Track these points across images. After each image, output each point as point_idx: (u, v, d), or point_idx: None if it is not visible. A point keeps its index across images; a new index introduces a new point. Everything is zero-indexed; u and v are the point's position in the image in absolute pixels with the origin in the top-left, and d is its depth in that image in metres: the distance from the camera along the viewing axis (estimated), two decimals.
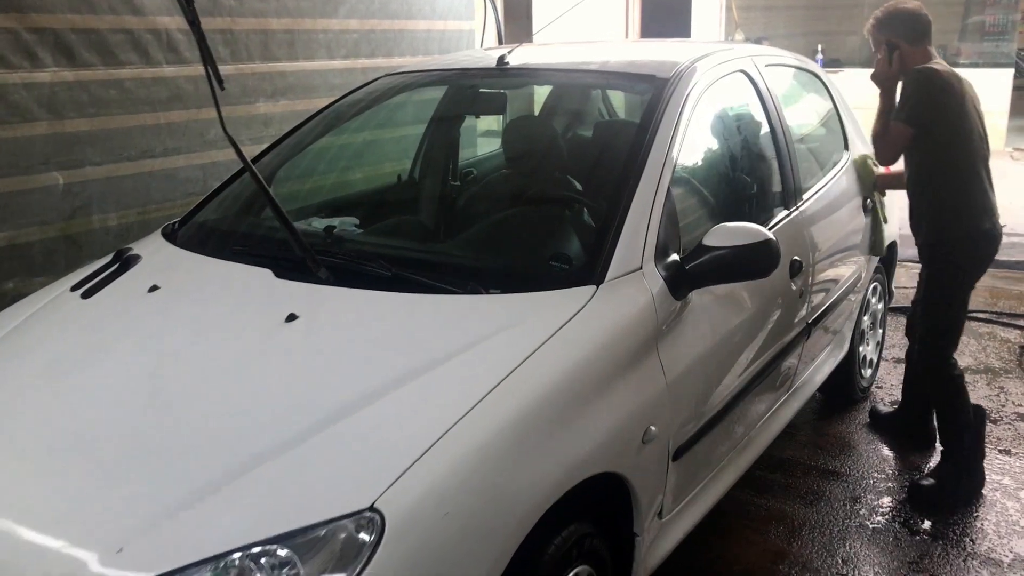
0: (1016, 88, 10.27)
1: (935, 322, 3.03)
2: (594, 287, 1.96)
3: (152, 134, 4.00)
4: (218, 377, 1.77)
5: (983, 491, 3.04)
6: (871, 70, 3.05)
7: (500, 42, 6.21)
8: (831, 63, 11.00)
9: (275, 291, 2.03)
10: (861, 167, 3.42)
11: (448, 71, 3.04)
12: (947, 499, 2.97)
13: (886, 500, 3.02)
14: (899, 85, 2.95)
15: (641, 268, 2.06)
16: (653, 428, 1.97)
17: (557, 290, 1.95)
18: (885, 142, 2.94)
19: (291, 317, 1.89)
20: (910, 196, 3.06)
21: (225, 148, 4.34)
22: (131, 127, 3.91)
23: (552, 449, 1.68)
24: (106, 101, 3.76)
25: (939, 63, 2.92)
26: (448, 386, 1.66)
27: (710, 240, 2.13)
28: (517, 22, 11.88)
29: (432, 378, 1.66)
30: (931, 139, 2.86)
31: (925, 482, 3.03)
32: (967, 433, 3.03)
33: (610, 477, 1.87)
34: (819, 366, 3.26)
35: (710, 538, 2.74)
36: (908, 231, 3.17)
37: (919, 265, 3.15)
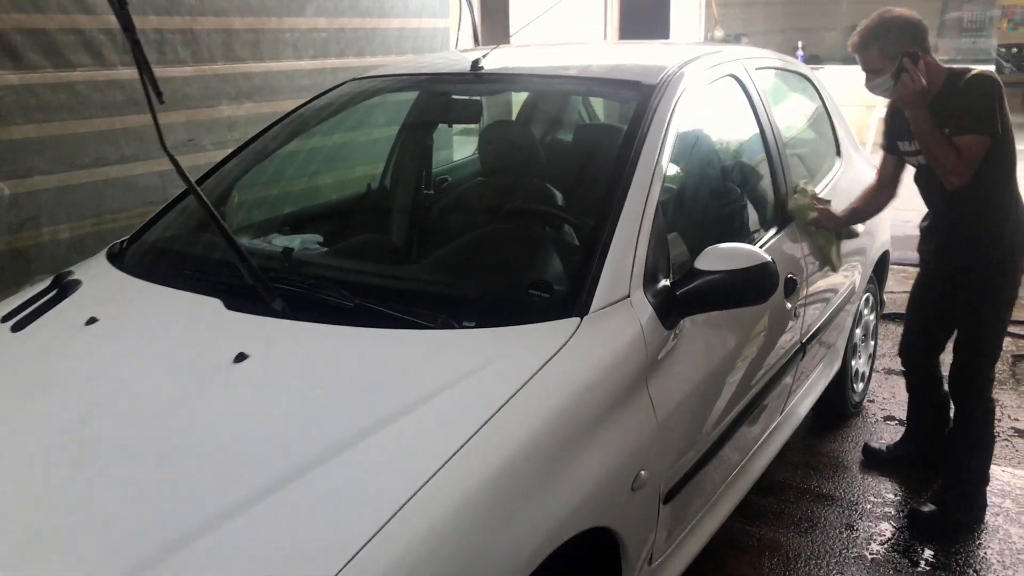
0: None
1: (990, 346, 2.81)
2: (578, 319, 1.77)
3: (107, 140, 3.77)
4: (152, 431, 1.56)
5: (985, 517, 2.90)
6: (850, 66, 2.87)
7: (476, 41, 6.03)
8: (811, 59, 10.90)
9: (224, 326, 1.83)
10: (798, 202, 2.76)
11: (419, 75, 2.84)
12: (949, 526, 2.83)
13: (884, 526, 2.87)
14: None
15: (629, 296, 1.88)
16: (643, 473, 1.79)
17: (537, 323, 1.76)
18: (963, 160, 2.51)
19: (240, 357, 1.69)
20: (958, 216, 2.72)
21: (188, 154, 4.14)
22: (84, 133, 3.68)
23: (535, 507, 1.50)
24: (56, 106, 3.53)
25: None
26: (415, 440, 1.47)
27: (702, 263, 1.96)
28: (494, 19, 11.69)
29: (396, 431, 1.47)
30: (998, 149, 2.57)
31: (926, 508, 2.88)
32: (980, 459, 2.89)
33: (598, 530, 1.70)
34: (813, 384, 3.11)
35: (703, 574, 2.57)
36: (900, 236, 3.02)
37: (905, 268, 3.00)
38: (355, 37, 5.08)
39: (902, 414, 3.63)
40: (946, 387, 3.02)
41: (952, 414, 2.99)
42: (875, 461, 3.26)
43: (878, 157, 2.98)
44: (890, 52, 2.56)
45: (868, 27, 2.63)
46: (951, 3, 12.87)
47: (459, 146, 4.70)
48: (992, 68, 10.26)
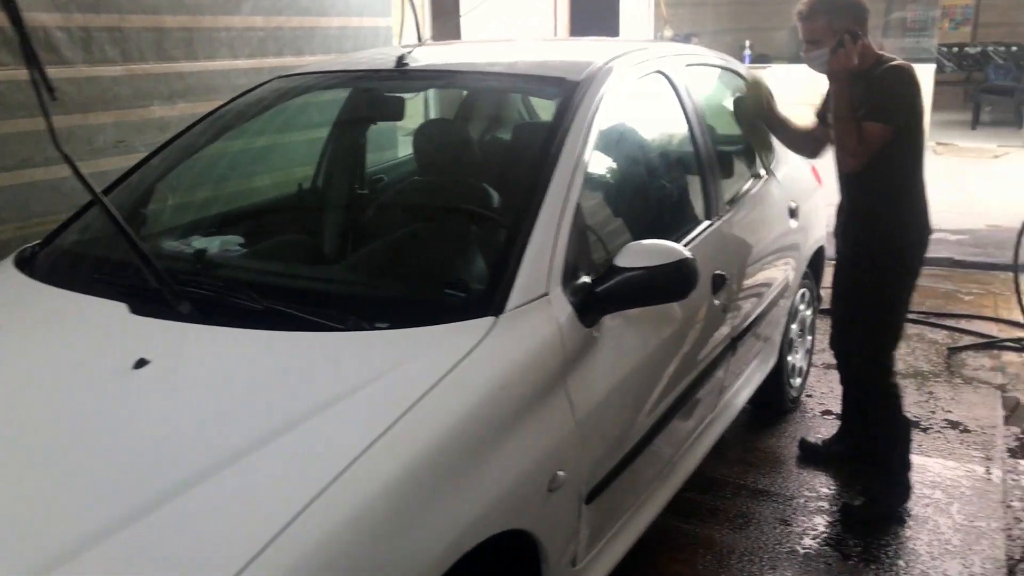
0: (938, 83, 10.40)
1: (885, 331, 2.86)
2: (492, 319, 1.74)
3: (31, 141, 3.65)
4: (43, 440, 1.50)
5: (916, 508, 2.93)
6: (800, 65, 2.87)
7: (420, 39, 5.98)
8: (759, 59, 11.02)
9: (128, 331, 1.76)
10: (754, 90, 3.04)
11: (344, 73, 2.78)
12: (881, 516, 2.86)
13: (818, 520, 2.89)
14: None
15: (547, 294, 1.85)
16: (561, 474, 1.77)
17: (451, 324, 1.73)
18: (862, 145, 2.60)
19: (141, 363, 1.63)
20: (859, 200, 2.81)
21: (118, 155, 4.04)
22: (6, 134, 3.57)
23: (441, 511, 1.46)
24: None
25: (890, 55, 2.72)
26: (313, 448, 1.42)
27: (622, 260, 1.94)
28: (446, 17, 11.63)
29: (295, 438, 1.43)
30: (904, 141, 2.65)
31: (857, 501, 2.91)
32: (900, 445, 2.92)
33: (515, 533, 1.67)
34: (748, 379, 3.12)
35: (633, 573, 2.56)
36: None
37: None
38: (294, 36, 5.00)
39: (840, 408, 3.67)
40: None
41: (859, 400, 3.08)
42: (812, 457, 3.28)
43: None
44: (835, 26, 2.63)
45: (829, 3, 2.67)
46: (895, 3, 13.10)
47: (406, 145, 4.65)
48: (933, 67, 10.47)
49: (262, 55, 4.78)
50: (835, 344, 3.14)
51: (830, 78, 2.69)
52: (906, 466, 2.95)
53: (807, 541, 2.77)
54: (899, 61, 2.67)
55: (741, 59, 10.55)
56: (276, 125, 2.79)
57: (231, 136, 2.62)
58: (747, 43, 11.36)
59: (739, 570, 2.63)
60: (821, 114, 2.96)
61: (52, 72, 3.67)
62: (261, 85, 2.74)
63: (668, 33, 11.09)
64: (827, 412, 3.68)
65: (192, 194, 2.73)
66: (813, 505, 2.97)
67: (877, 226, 2.78)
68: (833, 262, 3.10)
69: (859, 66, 2.60)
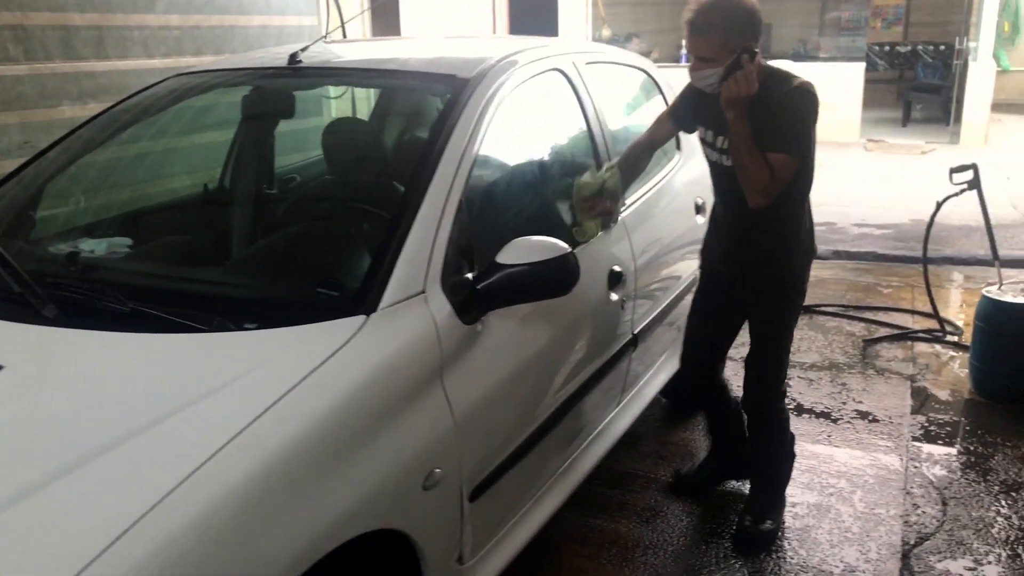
0: (868, 81, 10.65)
1: (783, 356, 2.71)
2: (363, 317, 1.73)
3: None
4: None
5: (820, 497, 2.98)
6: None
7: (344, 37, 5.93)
8: None
9: None
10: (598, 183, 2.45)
11: (234, 71, 2.74)
12: (772, 534, 2.76)
13: (724, 512, 2.92)
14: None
15: (424, 291, 1.85)
16: (438, 471, 1.76)
17: (320, 323, 1.71)
18: (774, 180, 2.30)
19: None
20: (753, 228, 2.50)
21: (22, 157, 3.93)
22: None
23: (300, 511, 1.44)
24: None
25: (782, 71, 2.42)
26: (162, 451, 1.39)
27: (504, 257, 1.94)
28: (386, 19, 11.57)
29: (145, 441, 1.40)
30: (801, 169, 2.40)
31: (747, 521, 2.77)
32: (789, 462, 2.88)
33: (388, 532, 1.66)
34: (656, 373, 3.14)
35: (537, 571, 2.57)
36: None
37: None
38: (212, 35, 4.93)
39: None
40: (733, 395, 2.96)
41: (749, 424, 2.82)
42: (687, 487, 3.03)
43: None
44: (732, 44, 2.25)
45: (713, 7, 2.28)
46: (830, 3, 13.37)
47: None
48: (863, 65, 10.68)
49: (179, 54, 4.70)
50: (692, 362, 2.86)
51: (725, 106, 2.29)
52: (787, 481, 2.89)
53: (713, 533, 2.80)
54: (800, 81, 2.35)
55: (677, 59, 10.65)
56: (164, 125, 2.73)
57: (121, 138, 2.56)
58: (683, 43, 11.46)
59: (643, 563, 2.65)
60: (686, 125, 2.64)
61: None
62: (153, 85, 2.69)
63: (607, 33, 11.17)
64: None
65: (80, 197, 2.67)
66: (719, 499, 3.01)
67: (773, 254, 2.55)
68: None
69: (755, 90, 2.25)
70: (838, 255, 6.01)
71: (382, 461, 1.63)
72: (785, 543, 2.75)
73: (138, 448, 1.39)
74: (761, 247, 2.55)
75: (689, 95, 2.57)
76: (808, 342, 4.42)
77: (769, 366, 2.70)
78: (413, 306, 1.81)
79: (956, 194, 4.13)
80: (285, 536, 1.41)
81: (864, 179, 8.33)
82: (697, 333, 2.83)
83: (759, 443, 2.81)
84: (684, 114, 2.61)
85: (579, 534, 2.78)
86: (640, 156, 2.68)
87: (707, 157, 2.60)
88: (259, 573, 1.36)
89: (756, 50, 2.28)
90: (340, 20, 5.88)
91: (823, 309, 4.87)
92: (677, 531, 2.81)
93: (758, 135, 2.30)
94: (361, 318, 1.73)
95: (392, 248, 1.85)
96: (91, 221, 2.55)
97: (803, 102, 2.33)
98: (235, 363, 1.59)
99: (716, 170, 2.58)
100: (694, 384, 2.96)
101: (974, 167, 4.06)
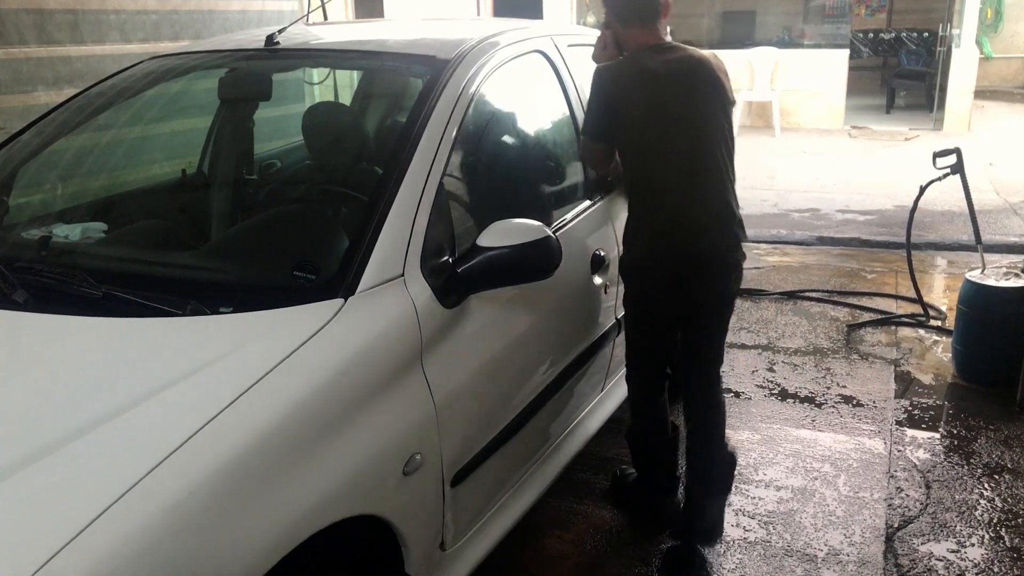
0: (852, 68, 10.65)
1: (722, 346, 2.65)
2: (341, 301, 1.70)
3: None
4: None
5: (805, 481, 2.98)
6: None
7: (326, 19, 5.87)
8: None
9: None
10: None
11: (211, 52, 2.69)
12: (718, 535, 2.64)
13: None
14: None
15: (403, 275, 1.82)
16: (418, 456, 1.74)
17: (297, 307, 1.68)
18: (584, 151, 2.49)
19: None
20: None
21: None
22: None
23: (276, 497, 1.42)
24: None
25: (642, 52, 2.40)
26: (134, 438, 1.36)
27: (484, 240, 1.92)
28: (370, 4, 11.46)
29: (116, 427, 1.37)
30: (622, 153, 2.41)
31: (700, 524, 2.64)
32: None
33: (368, 518, 1.63)
34: None
35: (521, 556, 2.56)
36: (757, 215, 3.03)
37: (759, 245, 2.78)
38: (191, 19, 4.86)
39: (740, 387, 3.73)
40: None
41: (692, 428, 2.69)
42: (620, 488, 2.90)
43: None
44: (607, 20, 2.47)
45: None
46: None
47: None
48: (847, 52, 10.69)
49: (156, 39, 4.63)
50: (648, 388, 2.70)
51: None
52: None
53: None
54: (626, 54, 2.42)
55: None
56: (140, 109, 2.68)
57: (97, 122, 2.51)
58: (668, 29, 11.43)
59: (628, 548, 2.64)
60: None
61: None
62: (129, 68, 2.64)
63: (591, 20, 11.11)
64: (727, 390, 3.72)
65: (56, 182, 2.62)
66: None
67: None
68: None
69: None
70: (822, 241, 6.02)
71: (361, 446, 1.60)
72: (769, 527, 2.75)
73: (110, 434, 1.36)
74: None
75: None
76: (792, 327, 4.42)
77: (715, 359, 2.64)
78: (392, 290, 1.78)
79: (939, 178, 4.12)
80: (262, 523, 1.38)
81: (848, 165, 8.34)
82: (652, 355, 2.65)
83: (715, 442, 2.64)
84: None
85: (563, 520, 2.76)
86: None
87: None
88: (236, 560, 1.33)
89: (613, 24, 2.47)
90: (321, 1, 5.83)
91: (807, 295, 4.87)
92: (664, 516, 2.79)
93: None
94: (339, 301, 1.70)
95: (370, 231, 1.82)
96: (65, 207, 2.50)
97: (592, 83, 2.41)
98: (210, 347, 1.56)
99: None
100: (648, 408, 2.74)
101: (957, 151, 4.05)
